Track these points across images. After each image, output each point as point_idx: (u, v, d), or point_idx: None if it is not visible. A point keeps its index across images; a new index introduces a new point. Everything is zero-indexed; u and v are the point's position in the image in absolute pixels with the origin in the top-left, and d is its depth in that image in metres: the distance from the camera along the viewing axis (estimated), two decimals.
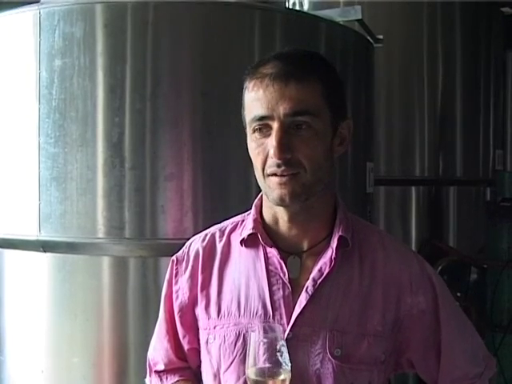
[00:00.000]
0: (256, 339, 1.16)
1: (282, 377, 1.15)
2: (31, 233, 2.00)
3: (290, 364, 1.16)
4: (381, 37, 2.66)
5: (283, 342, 1.17)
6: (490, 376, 1.42)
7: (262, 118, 1.24)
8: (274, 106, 1.22)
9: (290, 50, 1.32)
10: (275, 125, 1.22)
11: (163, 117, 1.92)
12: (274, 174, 1.24)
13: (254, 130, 1.26)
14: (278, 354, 1.15)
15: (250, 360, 1.16)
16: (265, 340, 1.16)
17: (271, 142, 1.22)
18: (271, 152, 1.22)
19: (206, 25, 1.96)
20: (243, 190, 1.94)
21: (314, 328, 1.27)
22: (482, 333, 3.17)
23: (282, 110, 1.22)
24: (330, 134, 1.29)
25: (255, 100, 1.25)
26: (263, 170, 1.26)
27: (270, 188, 1.26)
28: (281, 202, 1.26)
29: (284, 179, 1.23)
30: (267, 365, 1.15)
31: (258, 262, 1.34)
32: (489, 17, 3.95)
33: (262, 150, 1.25)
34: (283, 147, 1.21)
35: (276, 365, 1.15)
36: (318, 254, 1.32)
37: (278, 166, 1.22)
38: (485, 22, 3.92)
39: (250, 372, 1.16)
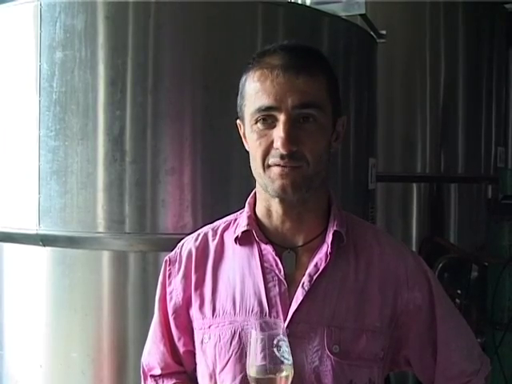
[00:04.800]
0: (256, 336, 1.14)
1: (284, 373, 1.13)
2: (31, 226, 1.99)
3: (291, 359, 1.14)
4: (384, 32, 2.65)
5: (282, 337, 1.15)
6: (486, 374, 1.41)
7: (267, 109, 1.22)
8: (282, 98, 1.21)
9: (293, 43, 1.31)
10: (282, 116, 1.21)
11: (164, 110, 1.91)
12: (276, 165, 1.23)
13: (257, 121, 1.24)
14: (275, 349, 1.13)
15: (250, 358, 1.15)
16: (262, 336, 1.14)
17: (278, 133, 1.21)
18: (278, 143, 1.21)
19: (209, 18, 1.95)
20: (244, 185, 1.91)
21: (311, 324, 1.26)
22: (482, 331, 3.19)
23: (290, 101, 1.21)
24: (331, 129, 1.29)
25: (261, 90, 1.23)
26: (263, 161, 1.24)
27: (271, 178, 1.24)
28: (282, 193, 1.25)
29: (286, 170, 1.22)
30: (269, 363, 1.13)
31: (252, 259, 1.33)
32: (492, 13, 3.95)
33: (264, 141, 1.24)
34: (291, 139, 1.20)
35: (276, 361, 1.13)
36: (314, 250, 1.31)
37: (282, 157, 1.21)
38: (488, 18, 3.92)
39: (251, 370, 1.14)
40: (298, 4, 2.28)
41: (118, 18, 1.92)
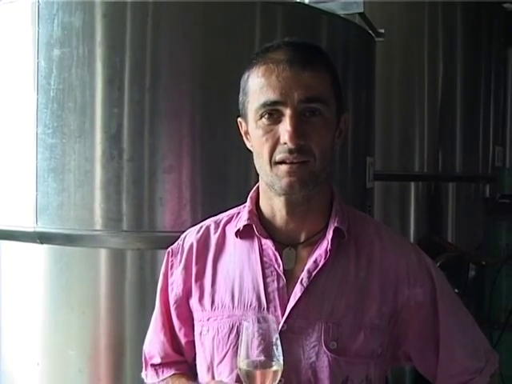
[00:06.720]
0: (250, 330, 1.14)
1: (273, 368, 1.14)
2: (28, 224, 1.98)
3: (282, 357, 1.15)
4: (382, 31, 2.64)
5: (278, 335, 1.15)
6: (492, 372, 1.40)
7: (273, 103, 1.22)
8: (287, 92, 1.21)
9: (297, 39, 1.31)
10: (288, 111, 1.21)
11: (162, 108, 1.90)
12: (283, 162, 1.22)
13: (262, 116, 1.24)
14: (274, 347, 1.14)
15: (242, 351, 1.15)
16: (259, 331, 1.14)
17: (285, 127, 1.21)
18: (285, 138, 1.20)
19: (206, 16, 1.94)
20: (242, 182, 1.92)
21: (309, 320, 1.27)
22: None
23: (296, 96, 1.21)
24: (335, 125, 1.29)
25: (266, 85, 1.23)
26: (271, 157, 1.24)
27: (278, 176, 1.24)
28: (289, 190, 1.24)
29: (294, 167, 1.22)
30: (261, 357, 1.13)
31: (252, 253, 1.33)
32: (490, 13, 3.95)
33: (270, 137, 1.23)
34: (298, 133, 1.20)
35: (269, 357, 1.13)
36: (314, 246, 1.31)
37: (290, 152, 1.21)
38: (486, 17, 3.92)
39: (242, 363, 1.14)
40: (296, 2, 2.27)
41: (115, 16, 1.91)
